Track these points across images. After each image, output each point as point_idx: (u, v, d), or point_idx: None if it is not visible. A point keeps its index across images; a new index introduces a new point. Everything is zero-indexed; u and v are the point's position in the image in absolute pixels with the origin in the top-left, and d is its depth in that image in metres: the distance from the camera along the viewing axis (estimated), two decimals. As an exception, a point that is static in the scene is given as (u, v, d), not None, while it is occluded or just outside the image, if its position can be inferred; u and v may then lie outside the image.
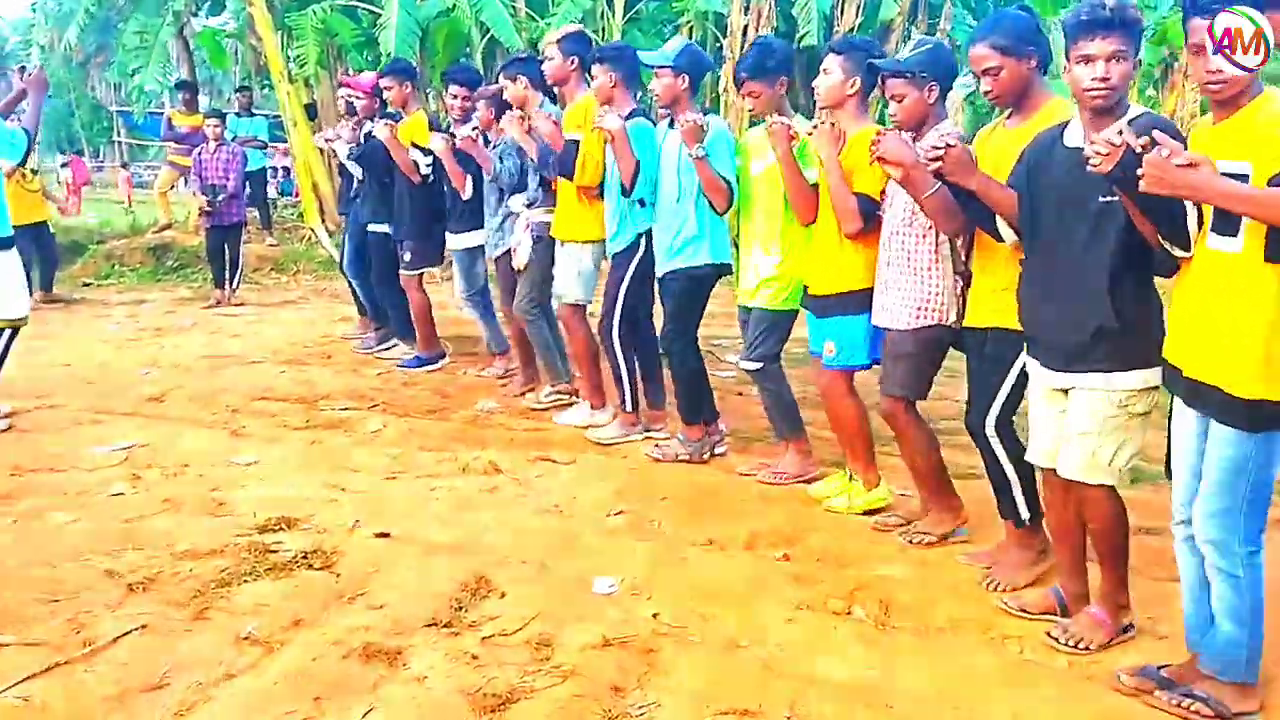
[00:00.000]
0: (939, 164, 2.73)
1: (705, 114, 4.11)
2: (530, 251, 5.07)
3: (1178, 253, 2.32)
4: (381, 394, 5.58)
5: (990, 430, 3.05)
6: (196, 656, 2.56)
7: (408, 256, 5.99)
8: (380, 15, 10.86)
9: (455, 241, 5.77)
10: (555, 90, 4.93)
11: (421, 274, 6.05)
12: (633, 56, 4.47)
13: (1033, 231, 2.66)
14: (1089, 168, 2.26)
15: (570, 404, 5.21)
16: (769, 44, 4.12)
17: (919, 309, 3.26)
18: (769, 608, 2.92)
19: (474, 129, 5.26)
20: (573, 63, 4.72)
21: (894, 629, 2.83)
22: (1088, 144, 2.30)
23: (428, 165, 5.68)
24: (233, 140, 10.87)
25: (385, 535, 3.42)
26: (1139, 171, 2.13)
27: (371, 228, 6.29)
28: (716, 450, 4.47)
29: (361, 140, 6.15)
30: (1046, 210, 2.61)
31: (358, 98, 6.29)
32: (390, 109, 6.07)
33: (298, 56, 11.34)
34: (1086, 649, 2.67)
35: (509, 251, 5.26)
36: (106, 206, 16.21)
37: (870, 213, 3.43)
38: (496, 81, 5.36)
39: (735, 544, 3.44)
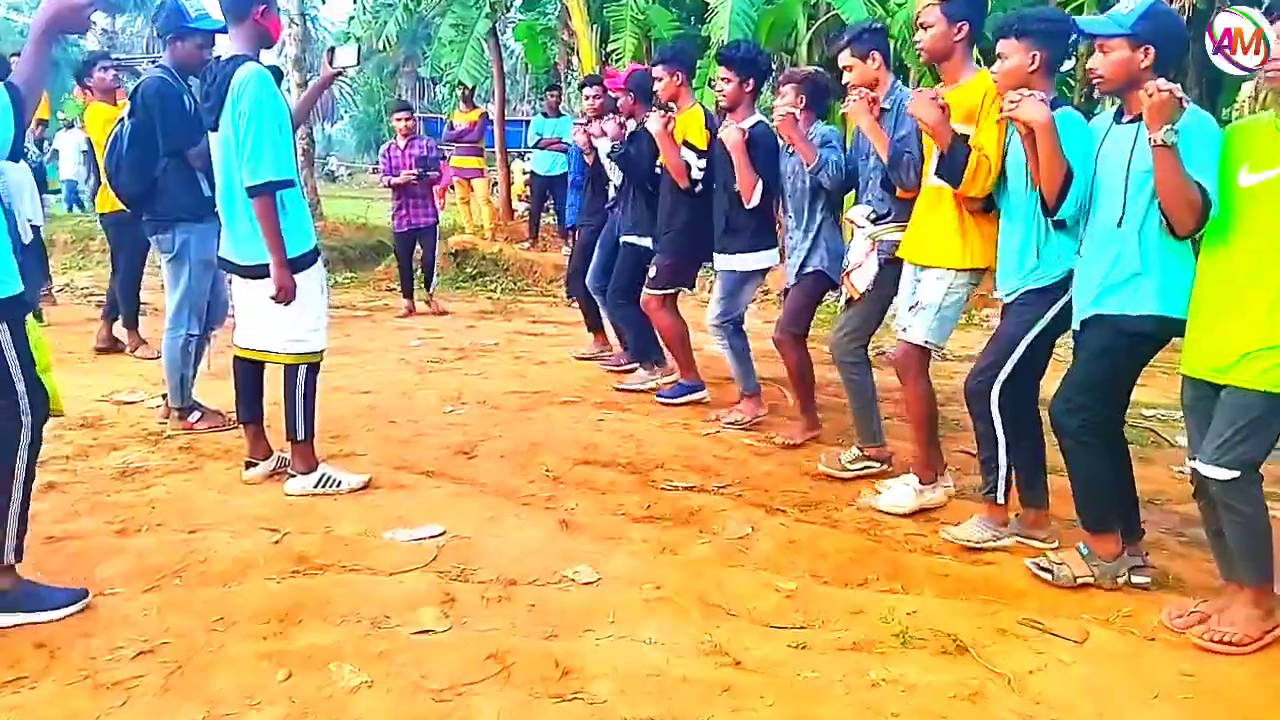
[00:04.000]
0: None
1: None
2: (873, 279, 3.87)
3: None
4: (727, 466, 4.29)
5: None
6: None
7: (653, 272, 5.17)
8: (706, 4, 9.67)
9: (728, 262, 4.75)
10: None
11: (670, 294, 5.19)
12: (1061, 26, 3.11)
13: None
14: None
15: (881, 472, 4.11)
16: None
17: None
18: None
19: (791, 111, 4.19)
20: (960, 30, 3.42)
21: None
22: None
23: (700, 169, 4.86)
24: (536, 142, 10.21)
25: (841, 806, 2.02)
26: None
27: (626, 239, 5.46)
28: (1135, 578, 3.08)
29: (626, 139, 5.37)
30: None
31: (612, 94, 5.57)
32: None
33: (613, 51, 10.48)
34: None
35: (814, 274, 4.38)
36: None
37: None
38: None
39: None
